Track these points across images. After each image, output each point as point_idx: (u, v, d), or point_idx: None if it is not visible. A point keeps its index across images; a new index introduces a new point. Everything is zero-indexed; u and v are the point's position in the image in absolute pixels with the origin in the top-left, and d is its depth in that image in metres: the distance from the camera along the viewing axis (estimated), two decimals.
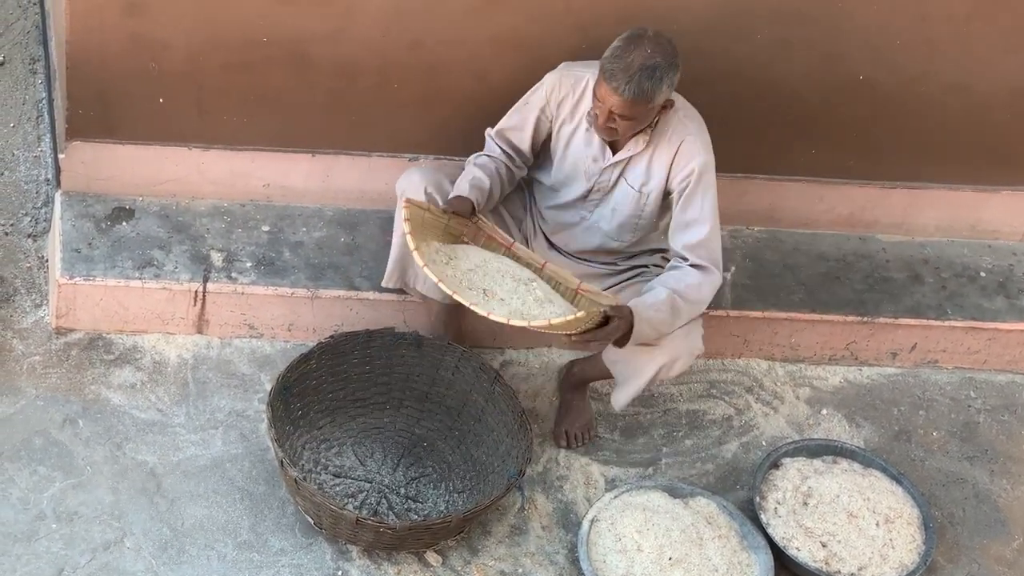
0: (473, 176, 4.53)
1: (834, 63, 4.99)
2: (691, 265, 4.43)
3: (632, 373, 4.53)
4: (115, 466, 4.48)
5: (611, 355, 4.55)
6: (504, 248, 4.53)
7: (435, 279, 4.19)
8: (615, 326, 4.29)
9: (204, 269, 4.86)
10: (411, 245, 4.21)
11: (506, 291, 4.31)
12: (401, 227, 4.31)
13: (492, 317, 4.16)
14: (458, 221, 4.47)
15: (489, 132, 4.64)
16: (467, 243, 4.49)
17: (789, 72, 4.99)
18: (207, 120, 4.88)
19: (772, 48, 4.91)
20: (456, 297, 4.19)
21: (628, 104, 4.22)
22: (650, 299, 4.36)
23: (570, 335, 4.26)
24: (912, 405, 5.27)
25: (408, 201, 4.31)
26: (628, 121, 4.29)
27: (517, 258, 4.50)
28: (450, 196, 4.50)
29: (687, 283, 4.39)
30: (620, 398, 4.67)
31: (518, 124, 4.58)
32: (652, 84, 4.19)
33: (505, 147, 4.61)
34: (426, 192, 4.53)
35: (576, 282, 4.49)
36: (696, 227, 4.42)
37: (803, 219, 5.46)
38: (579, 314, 4.20)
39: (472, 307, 4.19)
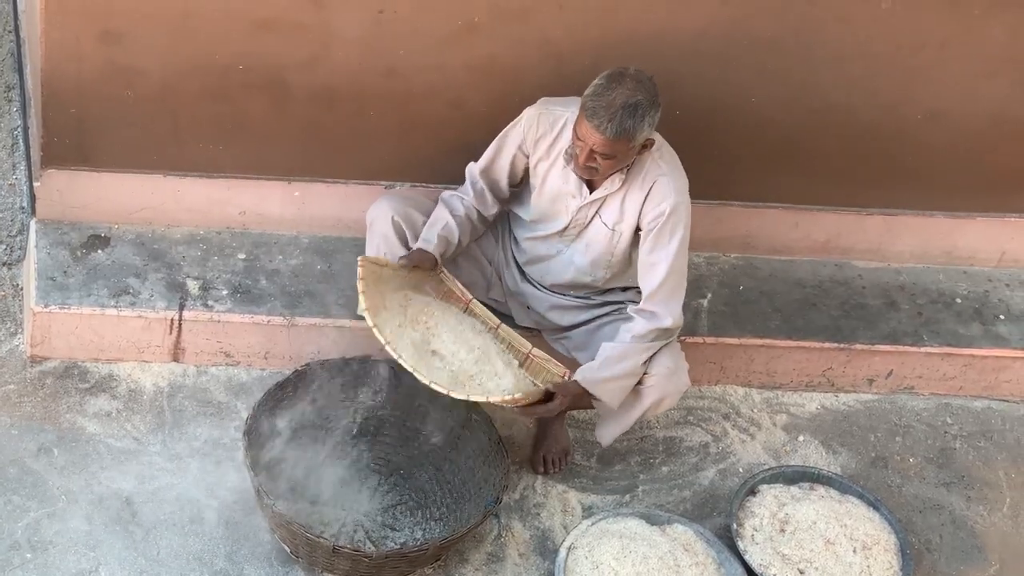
0: (444, 224, 4.57)
1: (809, 90, 5.04)
2: (640, 311, 4.51)
3: (619, 412, 4.61)
4: (90, 495, 4.48)
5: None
6: (463, 304, 4.63)
7: (382, 341, 4.30)
8: (557, 403, 4.46)
9: (180, 297, 4.87)
10: (362, 305, 4.31)
11: (455, 355, 4.44)
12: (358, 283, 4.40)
13: (433, 387, 4.28)
14: (420, 274, 4.56)
15: (470, 168, 4.67)
16: (428, 293, 4.59)
17: (765, 99, 5.03)
18: (183, 147, 4.90)
19: (748, 76, 4.96)
20: (401, 362, 4.30)
21: (610, 143, 4.25)
22: (599, 359, 4.49)
23: (512, 408, 4.40)
24: (888, 431, 5.30)
25: (364, 259, 4.38)
26: (609, 160, 4.32)
27: (474, 315, 4.62)
28: (415, 246, 4.56)
29: (633, 333, 4.49)
30: (607, 435, 4.75)
31: (496, 159, 4.61)
32: (634, 122, 4.23)
33: (484, 184, 4.64)
34: (393, 221, 4.58)
35: (528, 347, 4.61)
36: (656, 270, 4.48)
37: (779, 246, 5.49)
38: (516, 395, 4.33)
39: (415, 374, 4.30)
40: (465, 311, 4.63)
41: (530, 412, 4.47)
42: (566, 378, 4.52)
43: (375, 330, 4.30)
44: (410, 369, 4.29)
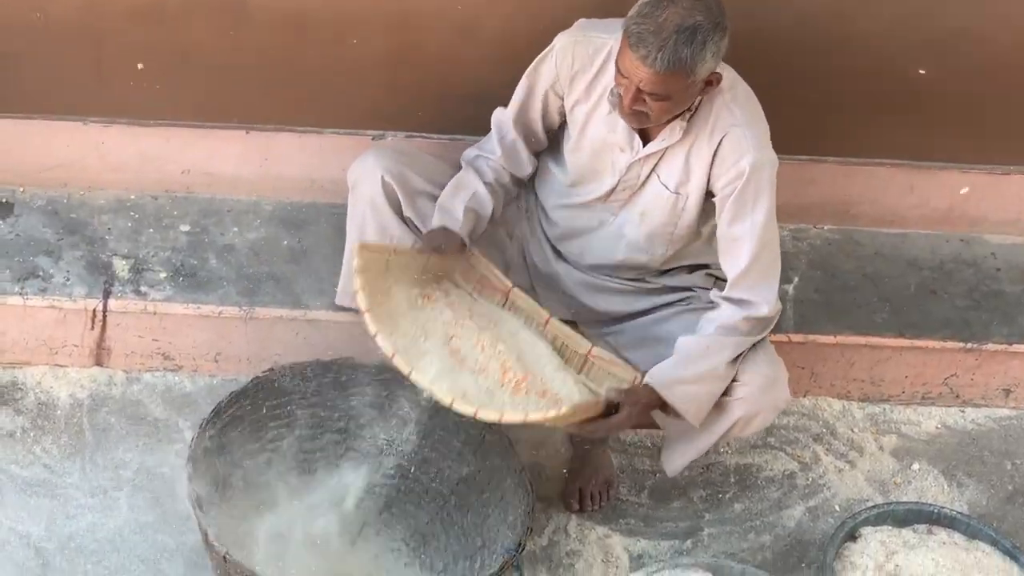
0: (473, 194, 4.56)
1: (932, 10, 5.02)
2: (726, 299, 4.47)
3: (695, 431, 4.55)
4: None
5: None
6: (500, 294, 4.61)
7: (388, 352, 4.22)
8: (624, 415, 4.37)
9: (105, 282, 4.88)
10: (362, 305, 4.23)
11: (491, 364, 4.38)
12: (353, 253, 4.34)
13: (456, 408, 4.19)
14: (441, 260, 4.51)
15: (498, 117, 4.65)
16: (455, 283, 4.56)
17: (872, 22, 5.02)
18: (108, 87, 4.91)
19: None
20: (414, 379, 4.23)
21: (661, 78, 4.19)
22: (674, 356, 4.44)
23: (564, 426, 4.33)
24: None
25: (362, 247, 4.32)
26: (662, 102, 4.26)
27: (515, 308, 4.60)
28: (435, 221, 4.52)
29: (719, 323, 4.45)
30: (676, 461, 4.71)
31: (528, 102, 4.59)
32: (692, 51, 4.16)
33: (517, 136, 4.62)
34: (383, 182, 4.55)
35: (587, 346, 4.57)
36: (740, 247, 4.43)
37: (888, 215, 5.51)
38: (563, 410, 4.20)
39: (430, 389, 4.23)
40: (505, 304, 4.61)
41: (589, 430, 4.40)
42: (638, 383, 4.47)
43: (378, 338, 4.24)
44: (426, 388, 4.23)
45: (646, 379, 4.41)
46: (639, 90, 4.22)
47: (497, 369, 4.35)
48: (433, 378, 4.23)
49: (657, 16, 4.14)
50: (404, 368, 4.22)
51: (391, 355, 4.22)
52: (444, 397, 4.19)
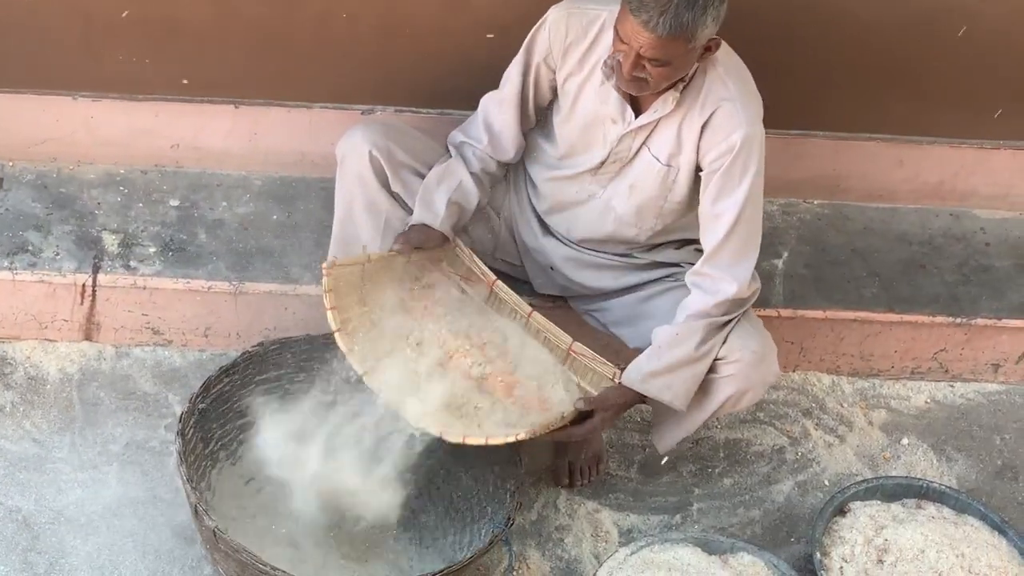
0: (458, 185, 4.55)
1: None
2: (699, 277, 4.47)
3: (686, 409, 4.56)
4: None
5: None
6: (485, 286, 4.62)
7: (359, 371, 4.29)
8: (598, 419, 4.42)
9: (94, 256, 4.87)
10: (332, 325, 4.27)
11: (480, 360, 4.43)
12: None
13: (419, 430, 4.27)
14: (424, 256, 4.52)
15: (485, 103, 4.64)
16: (444, 273, 4.58)
17: None
18: (98, 60, 4.90)
19: None
20: (392, 406, 4.28)
21: (662, 43, 4.17)
22: (648, 350, 4.45)
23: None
24: (1020, 432, 5.29)
25: (329, 266, 4.32)
26: (662, 68, 4.25)
27: (499, 301, 4.61)
28: (414, 217, 4.52)
29: (689, 311, 4.45)
30: (665, 440, 4.71)
31: (520, 82, 4.56)
32: (693, 15, 4.15)
33: (505, 122, 4.60)
34: (371, 156, 4.54)
35: (568, 341, 4.58)
36: (720, 222, 4.42)
37: (877, 189, 5.50)
38: (521, 435, 4.23)
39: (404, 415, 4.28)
40: (490, 296, 4.63)
41: (563, 437, 4.45)
42: (616, 379, 4.48)
43: (349, 358, 4.30)
44: (383, 405, 4.29)
45: (621, 378, 4.44)
46: (639, 56, 4.21)
47: (489, 376, 4.41)
48: (394, 393, 4.29)
49: None
50: (374, 389, 4.29)
51: (360, 375, 4.29)
52: (409, 417, 4.27)
